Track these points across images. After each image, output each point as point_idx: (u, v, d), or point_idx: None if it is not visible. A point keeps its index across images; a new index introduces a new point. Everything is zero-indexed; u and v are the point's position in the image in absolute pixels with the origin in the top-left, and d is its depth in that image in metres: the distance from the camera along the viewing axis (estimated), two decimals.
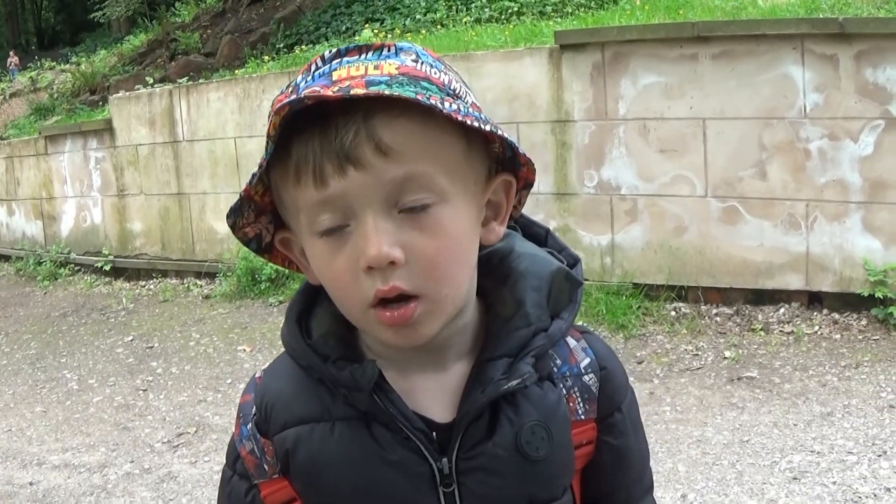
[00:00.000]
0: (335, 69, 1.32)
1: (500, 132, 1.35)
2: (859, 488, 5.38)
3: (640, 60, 8.62)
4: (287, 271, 10.52)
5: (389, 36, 14.40)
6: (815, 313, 8.16)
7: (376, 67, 1.30)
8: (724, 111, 8.27)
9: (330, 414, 1.48)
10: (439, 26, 14.36)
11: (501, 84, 9.31)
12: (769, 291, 8.38)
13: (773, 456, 5.87)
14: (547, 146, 9.03)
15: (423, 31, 14.12)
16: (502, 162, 1.46)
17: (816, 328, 7.96)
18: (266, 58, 14.52)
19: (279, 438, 1.51)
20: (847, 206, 7.98)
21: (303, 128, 1.29)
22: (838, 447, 5.94)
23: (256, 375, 1.61)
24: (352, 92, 1.24)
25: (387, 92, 1.24)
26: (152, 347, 9.68)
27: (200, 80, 13.41)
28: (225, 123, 11.55)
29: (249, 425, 1.55)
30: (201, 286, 11.82)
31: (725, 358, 7.56)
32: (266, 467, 1.54)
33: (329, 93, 1.24)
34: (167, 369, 8.89)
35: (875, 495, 5.29)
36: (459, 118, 1.28)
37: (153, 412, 7.78)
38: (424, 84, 1.30)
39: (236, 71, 13.98)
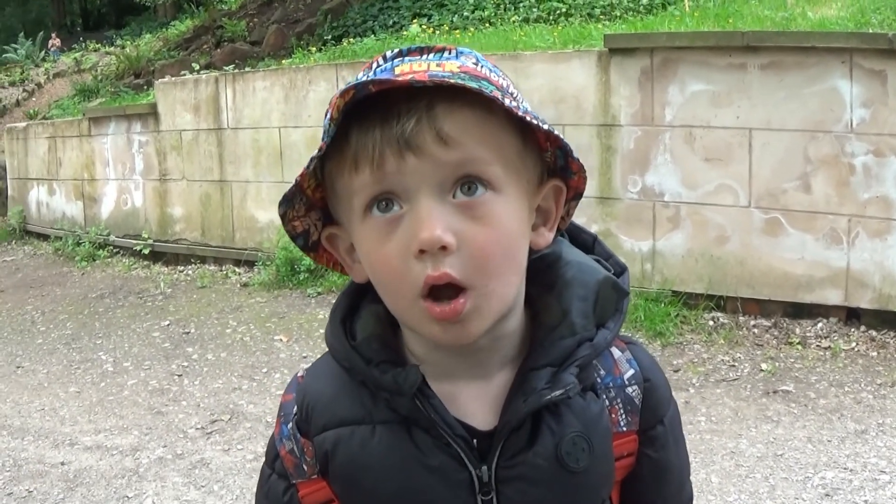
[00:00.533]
0: (397, 66, 1.34)
1: (555, 132, 1.38)
2: None
3: (689, 67, 8.59)
4: None
5: (437, 32, 14.40)
6: (853, 329, 8.12)
7: (438, 65, 1.33)
8: (770, 122, 8.23)
9: (371, 417, 1.47)
10: (487, 24, 14.36)
11: (549, 85, 9.29)
12: (808, 305, 8.34)
13: (806, 471, 5.84)
14: (592, 150, 9.02)
15: (471, 29, 14.10)
16: (553, 170, 1.48)
17: (853, 344, 7.92)
18: (313, 48, 14.52)
19: (319, 440, 1.51)
20: (889, 222, 7.93)
21: (363, 116, 1.31)
22: (871, 465, 5.91)
23: (298, 375, 1.62)
24: (417, 78, 1.26)
25: (451, 81, 1.26)
26: (189, 333, 9.72)
27: (247, 69, 13.45)
28: (270, 113, 11.58)
29: (290, 425, 1.56)
30: (240, 274, 11.87)
31: (762, 370, 7.53)
32: (305, 467, 1.54)
33: (400, 78, 1.27)
34: (203, 355, 8.93)
35: None
36: (519, 113, 1.31)
37: (187, 398, 7.81)
38: (484, 83, 1.31)
39: (283, 61, 14.00)
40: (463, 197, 1.32)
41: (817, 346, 7.94)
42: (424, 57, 1.36)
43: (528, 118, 1.32)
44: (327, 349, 1.55)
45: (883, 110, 7.80)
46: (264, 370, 8.36)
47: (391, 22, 16.85)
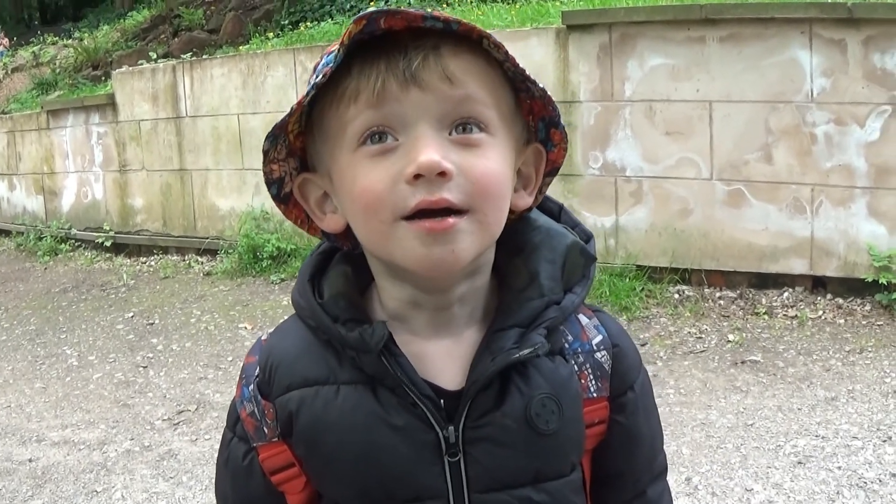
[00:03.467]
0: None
1: (549, 94, 1.45)
2: (864, 473, 5.36)
3: (647, 42, 8.58)
4: (289, 249, 10.57)
5: None
6: (819, 298, 8.15)
7: (434, 14, 1.34)
8: (730, 94, 8.23)
9: (335, 377, 1.47)
10: (445, 5, 14.28)
11: None
12: (773, 275, 8.36)
13: (777, 440, 5.85)
14: None
15: (429, 10, 14.02)
16: (534, 139, 1.53)
17: (820, 313, 7.94)
18: (270, 34, 14.45)
19: (282, 401, 1.50)
20: (852, 191, 7.95)
21: (365, 52, 1.34)
22: (843, 432, 5.92)
23: (262, 337, 1.60)
24: (433, 13, 1.31)
25: (464, 21, 1.31)
26: (153, 324, 9.65)
27: (204, 56, 13.35)
28: (228, 100, 11.50)
29: (251, 387, 1.54)
30: (202, 263, 11.80)
31: (729, 341, 7.54)
32: (266, 430, 1.53)
33: (414, 14, 1.31)
34: (168, 346, 8.87)
35: (880, 480, 5.26)
36: (521, 66, 1.38)
37: (153, 389, 7.75)
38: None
39: (240, 47, 13.91)
40: (460, 135, 1.36)
41: (784, 315, 7.96)
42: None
43: (527, 72, 1.39)
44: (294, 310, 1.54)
45: (843, 79, 7.81)
46: (230, 359, 8.30)
47: (349, 6, 16.75)
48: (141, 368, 8.30)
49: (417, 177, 1.31)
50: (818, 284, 8.26)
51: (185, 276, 11.50)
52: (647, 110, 8.60)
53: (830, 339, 7.47)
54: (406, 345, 1.45)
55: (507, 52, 1.36)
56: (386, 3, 14.69)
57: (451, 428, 1.45)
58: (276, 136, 1.43)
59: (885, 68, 7.68)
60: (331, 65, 1.34)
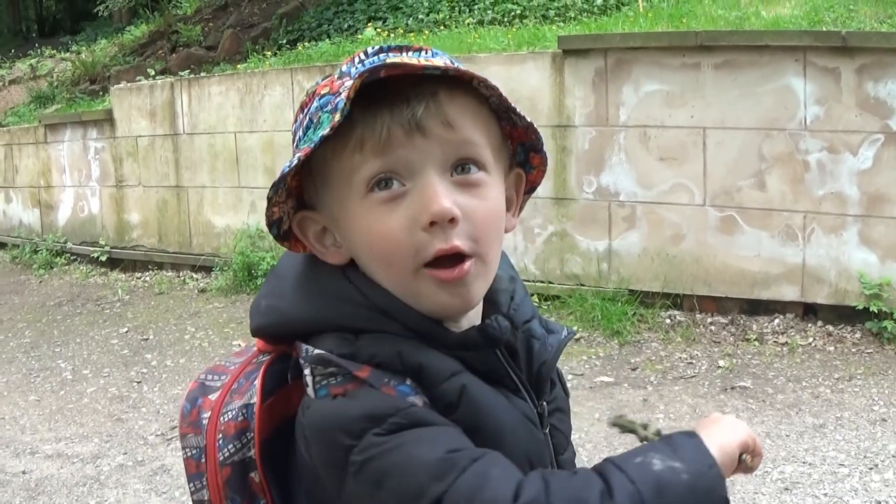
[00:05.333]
0: (390, 58, 1.44)
1: (535, 125, 1.58)
2: (850, 500, 5.41)
3: (643, 68, 8.64)
4: None
5: (392, 35, 14.38)
6: (810, 325, 8.20)
7: (430, 63, 1.44)
8: (724, 121, 8.29)
9: (456, 365, 1.51)
10: (442, 27, 14.34)
11: (503, 87, 8.89)
12: (764, 302, 8.40)
13: (765, 466, 5.88)
14: (547, 150, 8.98)
15: (426, 32, 14.10)
16: (514, 162, 1.67)
17: (811, 340, 7.99)
18: (268, 53, 14.49)
19: (445, 388, 1.47)
20: (844, 219, 8.01)
21: (367, 101, 1.42)
22: (830, 459, 5.97)
23: (342, 351, 1.48)
24: (433, 63, 1.42)
25: (462, 68, 1.43)
26: (147, 339, 9.69)
27: (202, 74, 13.39)
28: (226, 118, 11.55)
29: (408, 381, 1.46)
30: (197, 280, 11.83)
31: (719, 367, 7.59)
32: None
33: (413, 62, 1.42)
34: (162, 362, 8.90)
35: None
36: (512, 104, 1.52)
37: (147, 404, 7.78)
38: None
39: (238, 65, 13.97)
40: (461, 176, 1.46)
41: (774, 342, 8.01)
42: (405, 54, 1.47)
43: (518, 108, 1.52)
44: (354, 325, 1.50)
45: (837, 107, 7.87)
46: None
47: (346, 25, 16.78)
48: (135, 384, 8.33)
49: (432, 223, 1.42)
50: (809, 311, 8.31)
51: (180, 292, 11.53)
52: (641, 136, 8.66)
53: (820, 366, 7.52)
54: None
55: (496, 91, 1.49)
56: (378, 33, 14.75)
57: (544, 403, 1.65)
58: (279, 183, 1.49)
59: (879, 97, 7.75)
60: (334, 116, 1.40)
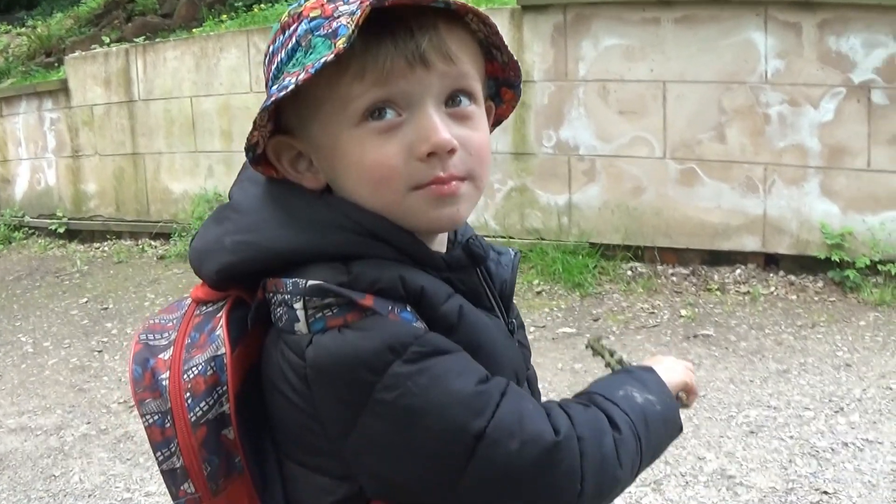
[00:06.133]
0: None
1: (515, 60, 1.59)
2: (816, 443, 5.42)
3: (602, 23, 8.61)
4: None
5: None
6: (772, 275, 8.23)
7: None
8: (684, 74, 8.28)
9: (449, 291, 1.53)
10: None
11: None
12: (725, 253, 8.43)
13: (729, 410, 5.92)
14: None
15: None
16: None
17: (772, 289, 8.02)
18: (224, 17, 14.35)
19: (444, 310, 1.48)
20: (805, 170, 8.03)
21: (367, 29, 1.38)
22: (795, 403, 6.00)
23: (337, 280, 1.42)
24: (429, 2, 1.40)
25: (461, 1, 1.41)
26: (107, 309, 9.60)
27: (157, 40, 13.25)
28: (181, 83, 11.45)
29: (409, 308, 1.44)
30: (156, 247, 11.73)
31: (681, 316, 7.61)
32: None
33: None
34: (122, 330, 8.81)
35: (832, 449, 5.33)
36: (504, 39, 1.52)
37: (109, 373, 7.70)
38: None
39: (193, 30, 13.82)
40: (455, 108, 1.48)
41: (736, 291, 8.04)
42: None
43: (504, 42, 1.53)
44: (353, 243, 1.46)
45: (798, 61, 7.89)
46: None
47: None
48: (96, 353, 8.25)
49: (430, 154, 1.43)
50: (771, 262, 8.34)
51: (139, 260, 11.43)
52: (600, 90, 8.64)
53: (782, 314, 7.54)
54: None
55: (492, 28, 1.48)
56: None
57: (512, 321, 1.72)
58: (267, 107, 1.46)
59: (840, 51, 7.76)
60: (334, 41, 1.39)
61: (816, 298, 7.81)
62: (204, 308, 1.58)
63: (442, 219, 1.49)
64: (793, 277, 8.15)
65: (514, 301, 1.80)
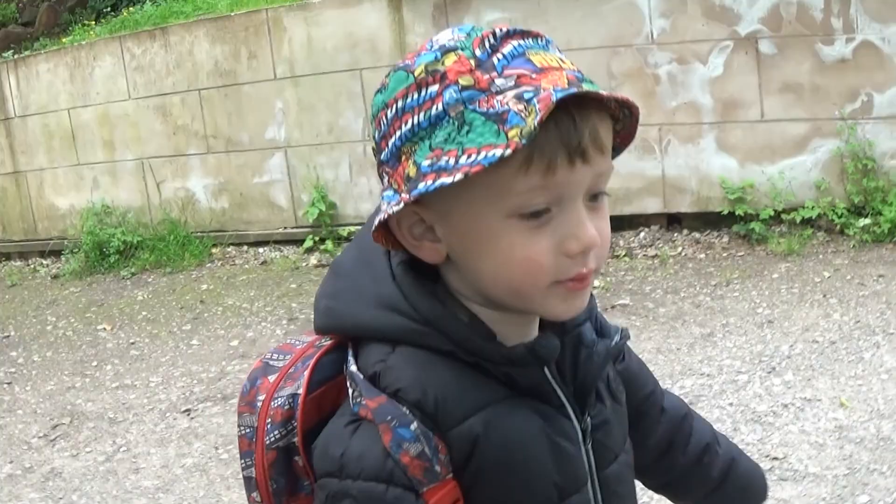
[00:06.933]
0: (528, 52, 1.36)
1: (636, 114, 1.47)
2: (757, 407, 5.49)
3: None
4: (135, 241, 10.37)
5: None
6: (676, 234, 8.32)
7: (561, 60, 1.38)
8: (570, 42, 8.26)
9: (495, 395, 1.46)
10: None
11: (342, 31, 9.20)
12: (628, 217, 8.48)
13: (664, 382, 5.83)
14: None
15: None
16: None
17: (679, 249, 8.11)
18: (91, 22, 14.01)
19: (461, 430, 1.43)
20: (700, 127, 8.11)
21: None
22: (727, 367, 6.06)
23: (365, 374, 1.47)
24: (611, 94, 1.33)
25: (632, 102, 1.38)
26: (8, 336, 9.31)
27: (26, 52, 12.87)
28: (57, 95, 11.14)
29: (414, 425, 1.41)
30: (48, 266, 11.42)
31: (595, 287, 7.51)
32: (439, 468, 1.43)
33: (600, 91, 1.31)
34: (28, 358, 8.56)
35: (774, 412, 5.41)
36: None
37: (22, 405, 7.46)
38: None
39: (63, 39, 13.46)
40: (594, 198, 1.41)
41: (644, 255, 8.11)
42: (528, 42, 1.38)
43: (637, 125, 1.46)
44: (406, 331, 1.46)
45: (683, 19, 7.96)
46: (94, 364, 8.06)
47: None
48: (5, 385, 7.98)
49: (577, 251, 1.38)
50: (673, 221, 8.43)
51: (33, 281, 11.11)
52: None
53: (694, 274, 7.62)
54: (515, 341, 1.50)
55: (637, 116, 1.43)
56: None
57: (589, 418, 1.56)
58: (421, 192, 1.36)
59: (725, 4, 7.84)
60: (505, 129, 1.29)
61: (725, 255, 7.90)
62: (322, 341, 1.60)
63: (571, 311, 1.44)
64: (698, 235, 8.24)
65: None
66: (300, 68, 9.56)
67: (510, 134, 1.27)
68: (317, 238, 9.80)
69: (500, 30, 1.36)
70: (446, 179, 1.30)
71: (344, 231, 9.61)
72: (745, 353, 6.19)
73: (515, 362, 1.45)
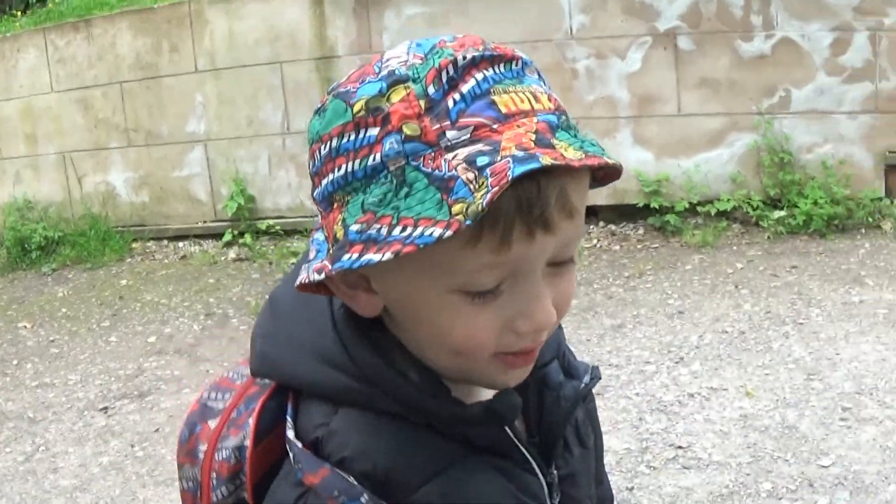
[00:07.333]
0: (494, 90, 1.15)
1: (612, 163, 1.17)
2: (663, 397, 5.57)
3: None
4: (56, 237, 10.27)
5: None
6: (592, 227, 8.36)
7: (535, 97, 1.17)
8: (490, 37, 7.90)
9: (452, 456, 1.28)
10: None
11: (263, 24, 9.18)
12: None
13: None
14: (312, 84, 9.00)
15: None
16: None
17: (595, 241, 8.18)
18: (18, 13, 13.82)
19: (417, 500, 1.25)
20: (617, 121, 8.19)
21: None
22: (635, 358, 6.13)
23: (304, 444, 1.29)
24: (587, 163, 1.09)
25: (610, 161, 1.12)
26: None
27: None
28: None
29: (364, 497, 1.23)
30: None
31: None
32: None
33: (570, 157, 1.08)
34: None
35: (679, 402, 5.49)
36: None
37: None
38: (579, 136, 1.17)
39: None
40: (555, 267, 1.19)
41: None
42: (499, 71, 1.17)
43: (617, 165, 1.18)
44: (339, 390, 1.29)
45: (602, 15, 8.06)
46: (15, 362, 7.96)
47: None
48: None
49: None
50: (589, 214, 8.46)
51: None
52: None
53: (609, 266, 7.69)
54: (472, 397, 1.32)
55: (618, 173, 1.21)
56: None
57: (554, 472, 1.40)
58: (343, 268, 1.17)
59: (644, 1, 7.93)
60: (449, 200, 1.08)
61: (640, 246, 7.98)
62: (262, 380, 1.42)
63: (512, 382, 1.26)
64: (613, 227, 8.32)
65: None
66: (221, 61, 9.52)
67: (454, 209, 1.07)
68: (236, 232, 9.76)
69: (464, 57, 1.15)
70: (374, 256, 1.11)
71: (262, 224, 9.60)
72: (655, 344, 6.26)
73: (472, 423, 1.27)
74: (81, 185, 10.63)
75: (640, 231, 8.21)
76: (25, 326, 8.81)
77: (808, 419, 5.16)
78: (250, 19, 9.21)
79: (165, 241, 10.30)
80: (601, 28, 8.09)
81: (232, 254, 9.64)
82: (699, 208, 8.11)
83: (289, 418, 1.31)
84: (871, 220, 7.86)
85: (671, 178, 8.12)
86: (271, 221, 9.47)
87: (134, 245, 10.38)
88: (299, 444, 1.27)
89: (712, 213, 8.04)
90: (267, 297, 1.43)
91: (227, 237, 9.80)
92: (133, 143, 10.22)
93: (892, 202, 8.00)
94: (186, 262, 9.80)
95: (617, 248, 8.04)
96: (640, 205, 8.14)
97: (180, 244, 10.19)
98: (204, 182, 10.01)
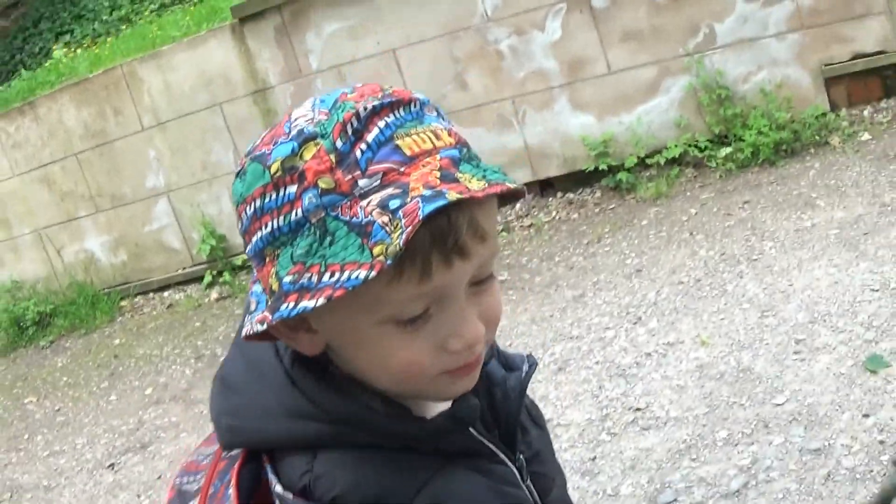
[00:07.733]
0: (396, 134, 1.23)
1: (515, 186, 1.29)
2: (621, 361, 5.64)
3: (320, 11, 8.69)
4: (49, 311, 10.41)
5: (79, 49, 14.00)
6: (551, 199, 8.44)
7: (435, 135, 1.26)
8: (410, 37, 8.42)
9: (430, 468, 1.35)
10: (126, 23, 14.12)
11: (195, 71, 9.28)
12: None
13: (536, 353, 5.98)
14: (253, 118, 9.10)
15: (112, 35, 13.84)
16: None
17: (554, 213, 8.24)
18: None
19: None
20: (551, 92, 8.26)
21: None
22: (595, 325, 6.20)
23: (302, 483, 1.34)
24: (489, 191, 1.19)
25: (511, 186, 1.23)
26: None
27: None
28: None
29: None
30: None
31: None
32: None
33: (474, 188, 1.18)
34: None
35: (637, 363, 5.55)
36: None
37: None
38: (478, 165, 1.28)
39: None
40: (477, 286, 1.30)
41: (521, 226, 8.23)
42: (401, 116, 1.25)
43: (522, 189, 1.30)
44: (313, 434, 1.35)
45: None
46: (26, 436, 8.14)
47: (37, 49, 16.30)
48: None
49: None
50: (547, 187, 8.57)
51: None
52: (336, 76, 8.72)
53: (568, 236, 7.76)
54: (433, 409, 1.42)
55: (522, 195, 1.32)
56: (72, 38, 14.37)
57: (521, 456, 1.49)
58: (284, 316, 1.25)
59: None
60: (369, 245, 1.17)
61: (597, 210, 8.05)
62: (227, 452, 1.47)
63: (459, 391, 1.35)
64: (571, 196, 8.39)
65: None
66: (164, 114, 9.61)
67: (375, 251, 1.16)
68: (214, 272, 9.88)
69: (365, 108, 1.22)
70: (308, 303, 1.19)
71: (238, 260, 9.73)
72: (614, 308, 6.33)
73: (440, 434, 1.36)
74: (62, 257, 10.76)
75: (598, 194, 8.27)
76: (32, 401, 8.97)
77: (762, 358, 5.18)
78: (181, 69, 9.31)
79: (151, 294, 10.42)
80: (515, 5, 8.14)
81: (214, 294, 9.77)
82: (648, 160, 8.15)
83: (272, 476, 1.36)
84: (818, 137, 7.83)
85: (616, 137, 8.18)
86: (245, 256, 9.56)
87: (123, 303, 10.50)
88: (290, 496, 1.32)
89: (662, 163, 8.08)
90: (215, 377, 1.48)
91: (208, 279, 9.92)
92: (101, 209, 10.34)
93: (837, 115, 7.96)
94: (173, 309, 9.93)
95: (575, 216, 8.10)
96: (591, 169, 8.20)
97: (165, 293, 10.31)
98: (175, 231, 10.13)
